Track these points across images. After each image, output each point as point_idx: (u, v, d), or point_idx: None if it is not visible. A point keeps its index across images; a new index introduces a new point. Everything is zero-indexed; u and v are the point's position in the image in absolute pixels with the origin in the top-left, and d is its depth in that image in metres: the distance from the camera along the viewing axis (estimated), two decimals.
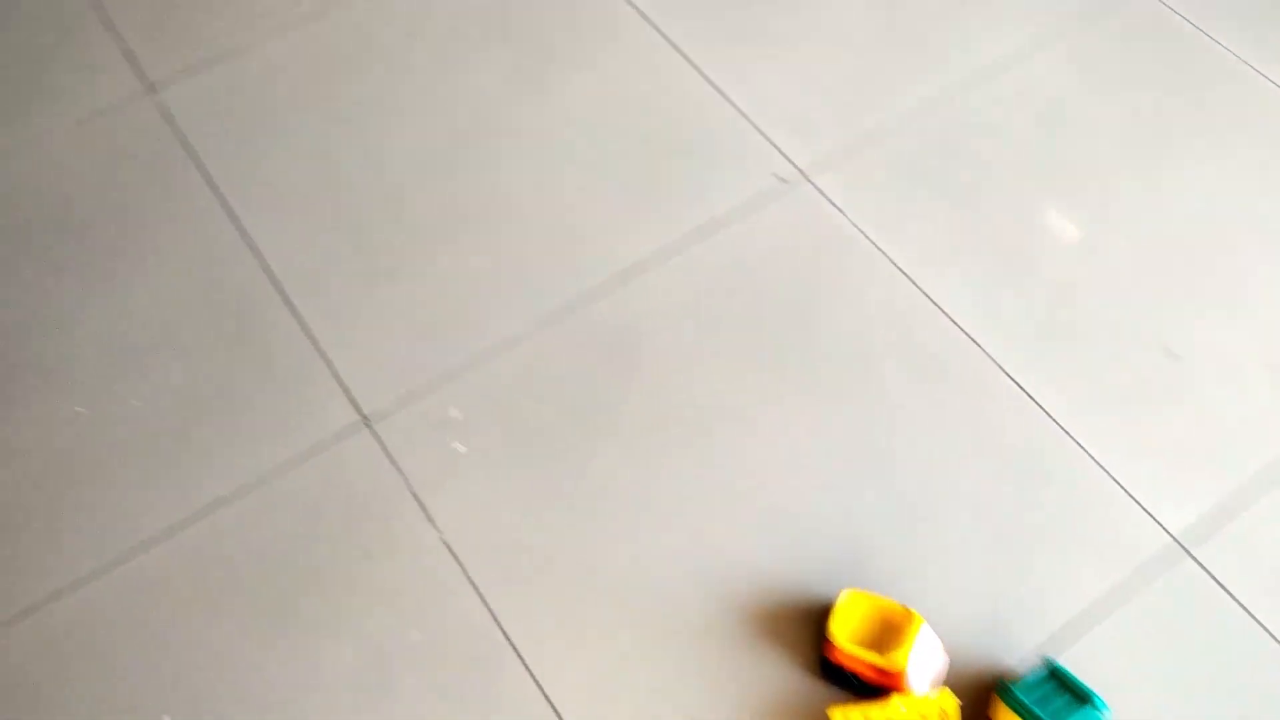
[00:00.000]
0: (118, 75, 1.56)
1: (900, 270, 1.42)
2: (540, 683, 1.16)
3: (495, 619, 1.19)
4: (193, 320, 1.37)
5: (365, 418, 1.30)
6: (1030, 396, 1.33)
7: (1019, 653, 1.18)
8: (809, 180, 1.49)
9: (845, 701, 1.14)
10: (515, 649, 1.17)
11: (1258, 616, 1.20)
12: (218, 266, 1.41)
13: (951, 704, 1.11)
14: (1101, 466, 1.29)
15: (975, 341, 1.37)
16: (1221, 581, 1.22)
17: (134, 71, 1.56)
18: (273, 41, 1.60)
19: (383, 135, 1.52)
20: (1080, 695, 1.10)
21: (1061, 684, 1.11)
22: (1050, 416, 1.32)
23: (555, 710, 1.14)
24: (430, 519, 1.24)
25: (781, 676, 1.16)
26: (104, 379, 1.33)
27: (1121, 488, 1.27)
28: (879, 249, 1.43)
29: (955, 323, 1.38)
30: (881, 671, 1.12)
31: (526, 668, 1.16)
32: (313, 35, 1.61)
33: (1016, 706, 1.10)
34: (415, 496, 1.26)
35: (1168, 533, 1.24)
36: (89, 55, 1.58)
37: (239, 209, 1.45)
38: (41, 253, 1.42)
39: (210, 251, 1.42)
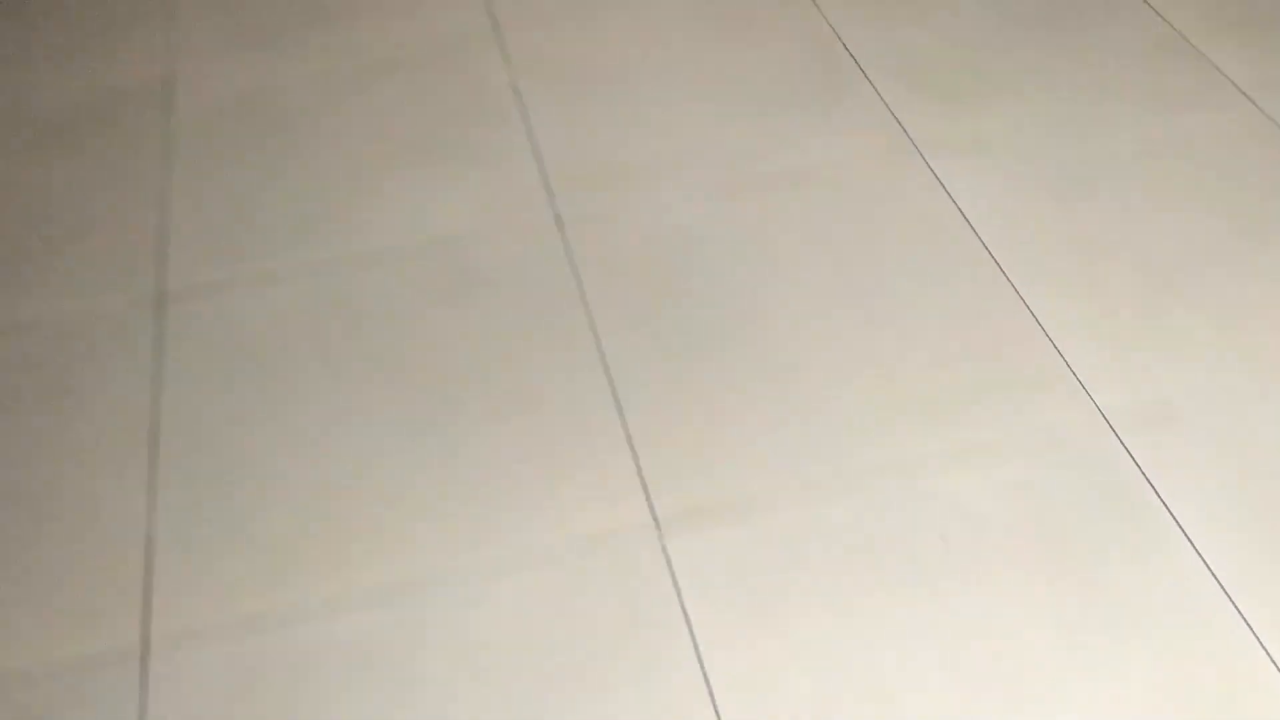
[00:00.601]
0: (627, 497, 1.45)
1: None
2: None
3: None
4: None
5: None
6: None
7: None
8: None
9: None
10: None
11: None
12: None
13: None
14: None
15: None
16: None
17: (644, 498, 1.45)
18: (786, 509, 1.43)
19: (881, 656, 1.29)
20: None
21: None
22: None
23: None
24: None
25: None
26: None
27: None
28: None
29: None
30: None
31: None
32: (821, 528, 1.43)
33: None
34: None
35: None
36: (600, 461, 1.49)
37: (719, 695, 1.24)
38: (514, 689, 1.27)
39: None
